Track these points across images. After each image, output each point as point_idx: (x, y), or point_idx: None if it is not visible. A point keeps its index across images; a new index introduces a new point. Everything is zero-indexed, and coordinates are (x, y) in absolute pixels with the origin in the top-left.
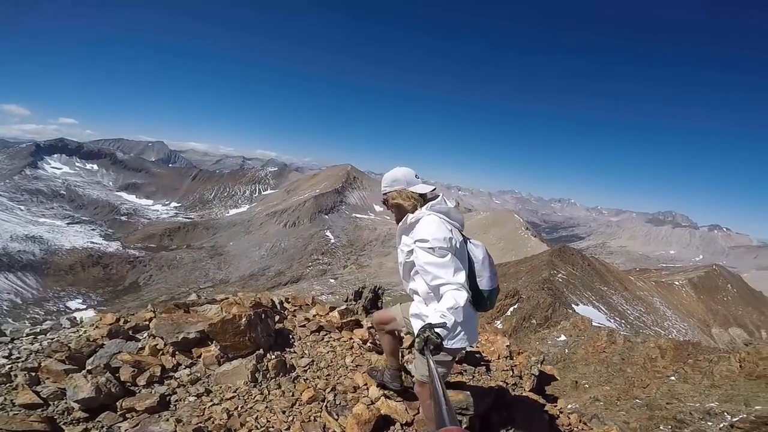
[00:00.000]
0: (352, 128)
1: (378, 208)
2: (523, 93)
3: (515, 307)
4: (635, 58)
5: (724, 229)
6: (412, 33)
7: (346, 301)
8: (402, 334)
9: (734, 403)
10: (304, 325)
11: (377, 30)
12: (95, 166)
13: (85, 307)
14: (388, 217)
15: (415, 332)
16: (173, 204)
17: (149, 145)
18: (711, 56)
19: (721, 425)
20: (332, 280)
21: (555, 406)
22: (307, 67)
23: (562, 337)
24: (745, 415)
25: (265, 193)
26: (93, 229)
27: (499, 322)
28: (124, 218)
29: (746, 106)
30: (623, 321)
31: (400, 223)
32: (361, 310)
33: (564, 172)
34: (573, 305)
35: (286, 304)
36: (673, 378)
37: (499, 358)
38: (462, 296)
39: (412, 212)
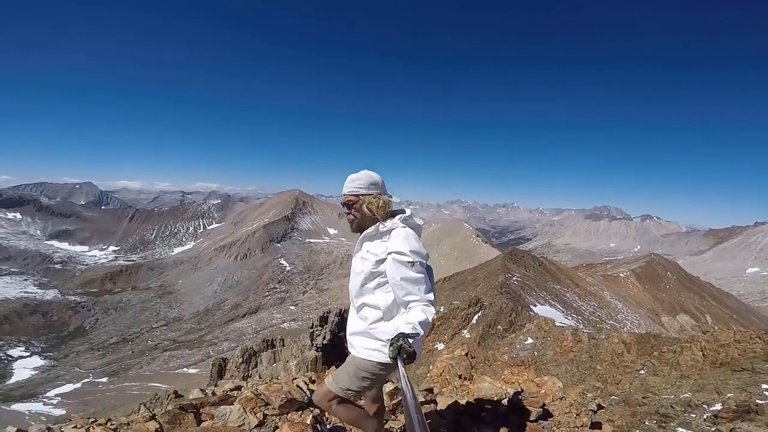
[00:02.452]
0: (294, 152)
1: (333, 230)
2: (456, 103)
3: (479, 315)
4: (553, 58)
5: (655, 218)
6: (346, 55)
7: (312, 327)
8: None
9: (707, 392)
10: None
11: (307, 56)
12: (18, 215)
13: (28, 354)
14: (344, 239)
15: (387, 341)
16: (111, 248)
17: (76, 187)
18: (624, 51)
19: (705, 416)
20: (292, 307)
21: None
22: (237, 96)
23: (530, 340)
24: (720, 405)
25: (210, 227)
26: (25, 279)
27: (465, 331)
28: (58, 266)
29: (660, 99)
30: (580, 317)
31: (368, 230)
32: (328, 335)
33: (505, 177)
34: (531, 306)
35: (311, 386)
36: (642, 372)
37: (553, 401)
38: (432, 312)
39: (383, 221)
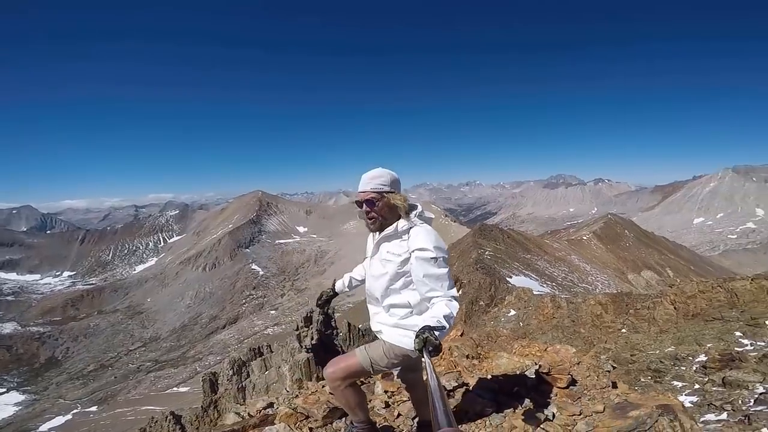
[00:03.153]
0: (251, 153)
1: (302, 228)
2: (410, 91)
3: (460, 293)
4: (496, 40)
5: (607, 181)
6: (296, 50)
7: (297, 329)
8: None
9: (688, 345)
10: None
11: (252, 54)
12: None
13: (4, 390)
14: (315, 235)
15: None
16: (66, 273)
17: (14, 212)
18: (571, 30)
19: (694, 367)
20: (273, 312)
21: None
22: (183, 101)
23: (512, 312)
24: (705, 356)
25: (171, 240)
26: None
27: None
28: (10, 298)
29: (599, 72)
30: (554, 284)
31: (386, 231)
32: (315, 335)
33: (465, 155)
34: (507, 278)
35: None
36: (624, 330)
37: (571, 366)
38: (456, 307)
39: (405, 219)
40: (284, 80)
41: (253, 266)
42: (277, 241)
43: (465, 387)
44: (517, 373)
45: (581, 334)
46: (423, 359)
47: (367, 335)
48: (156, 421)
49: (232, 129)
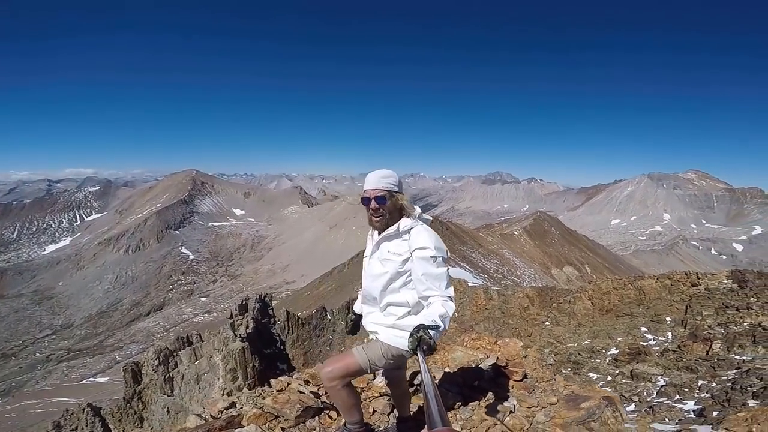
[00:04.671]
0: (186, 129)
1: (239, 211)
2: (358, 81)
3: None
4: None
5: (539, 180)
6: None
7: (231, 317)
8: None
9: (602, 338)
10: None
11: (187, 18)
12: None
13: None
14: (253, 219)
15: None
16: None
17: None
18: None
19: (607, 360)
20: (203, 299)
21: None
22: (104, 69)
23: None
24: (616, 350)
25: (89, 218)
26: None
27: None
28: None
29: (536, 76)
30: (486, 276)
31: (388, 229)
32: (251, 324)
33: (411, 147)
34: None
35: (309, 388)
36: (548, 323)
37: (519, 359)
38: (452, 308)
39: (405, 220)
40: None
41: (183, 249)
42: (210, 224)
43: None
44: (473, 366)
45: (510, 326)
46: (417, 358)
47: (308, 324)
48: (72, 414)
49: (165, 101)
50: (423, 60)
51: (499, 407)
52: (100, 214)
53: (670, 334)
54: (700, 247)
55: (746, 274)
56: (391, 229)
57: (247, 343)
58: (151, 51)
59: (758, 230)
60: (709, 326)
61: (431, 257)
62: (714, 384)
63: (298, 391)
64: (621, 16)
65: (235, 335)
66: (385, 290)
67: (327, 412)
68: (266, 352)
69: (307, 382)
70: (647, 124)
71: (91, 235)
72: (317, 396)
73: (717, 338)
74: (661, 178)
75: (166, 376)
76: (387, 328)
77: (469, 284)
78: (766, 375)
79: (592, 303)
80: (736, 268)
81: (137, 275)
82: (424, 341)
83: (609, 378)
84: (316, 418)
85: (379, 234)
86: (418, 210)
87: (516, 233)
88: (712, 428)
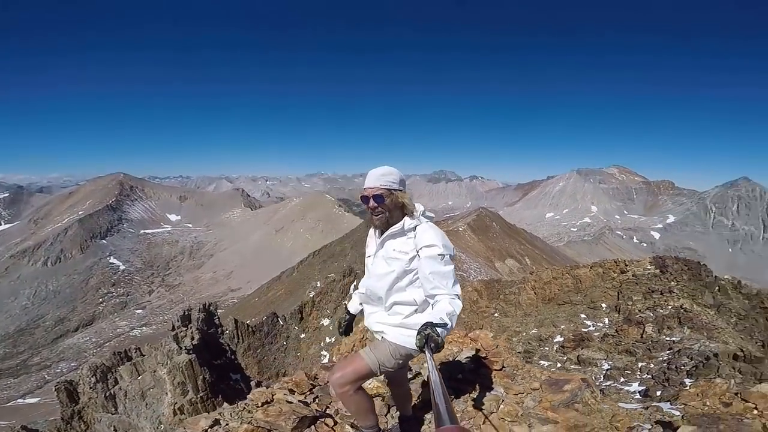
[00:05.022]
0: (111, 131)
1: (174, 217)
2: (301, 84)
3: (355, 283)
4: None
5: (480, 178)
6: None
7: (173, 329)
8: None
9: (547, 327)
10: None
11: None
12: None
13: None
14: (191, 225)
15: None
16: None
17: None
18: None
19: (555, 348)
20: (139, 311)
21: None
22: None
23: None
24: (561, 337)
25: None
26: None
27: (346, 302)
28: None
29: (472, 79)
30: None
31: (392, 228)
32: (196, 335)
33: (360, 147)
34: None
35: (293, 396)
36: (497, 315)
37: (490, 349)
38: (459, 306)
39: (409, 218)
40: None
41: (112, 260)
42: (142, 231)
43: (418, 375)
44: (451, 359)
45: (461, 319)
46: (425, 356)
47: (259, 332)
48: None
49: (85, 99)
50: (369, 61)
51: (490, 396)
52: (10, 224)
53: (606, 320)
54: (624, 236)
55: (666, 259)
56: (396, 227)
57: (194, 355)
58: (63, 47)
59: (671, 219)
60: (640, 310)
61: (439, 255)
62: (652, 365)
63: (287, 401)
64: (546, 19)
65: (180, 347)
66: (391, 289)
67: (323, 420)
68: (216, 363)
69: (291, 391)
70: (575, 122)
71: (1, 248)
72: (306, 404)
73: (648, 321)
74: (588, 174)
75: (107, 394)
76: (394, 327)
77: None
78: (695, 354)
79: (535, 293)
80: (657, 255)
81: (60, 289)
82: (431, 339)
83: (559, 365)
84: (312, 427)
85: (382, 232)
86: (420, 207)
87: (460, 229)
88: (671, 404)
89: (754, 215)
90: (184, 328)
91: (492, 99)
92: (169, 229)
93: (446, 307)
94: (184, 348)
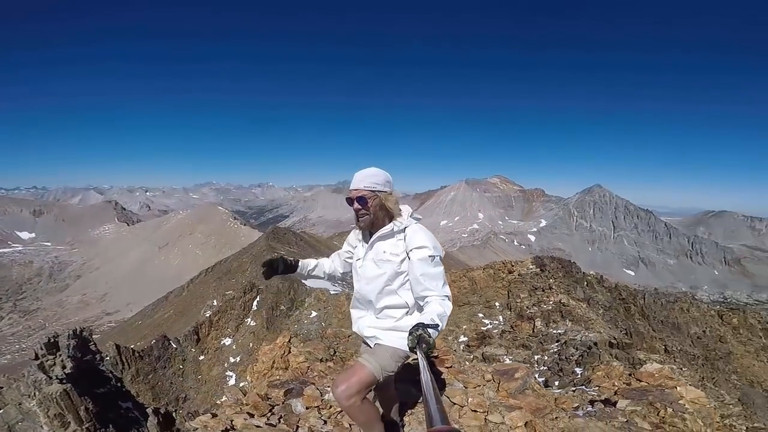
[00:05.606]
0: None
1: (27, 234)
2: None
3: (258, 300)
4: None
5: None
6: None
7: (37, 358)
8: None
9: (451, 326)
10: None
11: None
12: None
13: None
14: (49, 243)
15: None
16: None
17: None
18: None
19: (462, 346)
20: None
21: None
22: None
23: (314, 313)
24: (465, 336)
25: None
26: None
27: (249, 319)
28: None
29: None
30: (344, 282)
31: (382, 230)
32: (68, 363)
33: (259, 156)
34: (302, 281)
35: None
36: None
37: None
38: (449, 307)
39: (398, 219)
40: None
41: None
42: None
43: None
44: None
45: None
46: (417, 357)
47: (148, 356)
48: None
49: None
50: (258, 72)
51: (455, 391)
52: None
53: (501, 317)
54: (506, 240)
55: (544, 259)
56: (386, 229)
57: (69, 385)
58: None
59: (543, 223)
60: (528, 306)
61: (429, 257)
62: (546, 357)
63: (255, 426)
64: (441, 35)
65: (50, 377)
66: (382, 292)
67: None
68: (99, 391)
69: (251, 415)
70: (463, 134)
71: None
72: (273, 426)
73: (537, 316)
74: (475, 183)
75: None
76: (387, 331)
77: (331, 292)
78: (579, 344)
79: None
80: (536, 256)
81: None
82: (423, 340)
83: (467, 363)
84: None
85: (370, 234)
86: (407, 209)
87: None
88: (586, 387)
89: (606, 218)
90: (51, 356)
91: (389, 112)
92: (20, 248)
93: (437, 308)
94: (55, 377)
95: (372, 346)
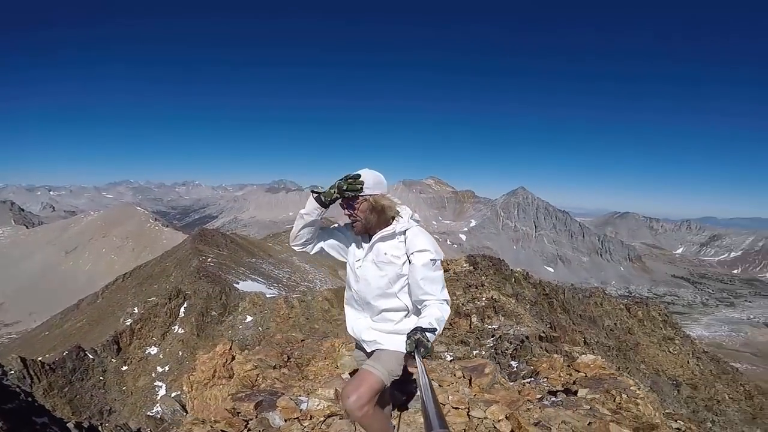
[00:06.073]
0: None
1: None
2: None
3: (185, 306)
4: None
5: (320, 187)
6: None
7: None
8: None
9: None
10: None
11: None
12: None
13: None
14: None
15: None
16: None
17: None
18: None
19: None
20: None
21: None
22: None
23: (249, 318)
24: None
25: None
26: None
27: (177, 326)
28: None
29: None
30: (281, 285)
31: (382, 232)
32: None
33: (185, 154)
34: (235, 285)
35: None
36: None
37: None
38: (448, 311)
39: (393, 220)
40: None
41: None
42: None
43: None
44: None
45: (317, 330)
46: (415, 360)
47: (61, 368)
48: None
49: None
50: (187, 65)
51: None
52: None
53: None
54: (440, 239)
55: (476, 257)
56: (387, 230)
57: (5, 426)
58: None
59: (473, 223)
60: (463, 303)
61: (431, 260)
62: (483, 352)
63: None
64: (379, 40)
65: None
66: (382, 295)
67: None
68: (8, 407)
69: None
70: (403, 135)
71: None
72: None
73: (473, 313)
74: (411, 185)
75: None
76: (388, 335)
77: (267, 296)
78: (512, 338)
79: None
80: (469, 254)
81: None
82: (421, 344)
83: (433, 362)
84: None
85: (369, 236)
86: (407, 210)
87: None
88: (534, 379)
89: (529, 218)
90: None
91: (327, 112)
92: None
93: (435, 312)
94: None
95: (369, 350)
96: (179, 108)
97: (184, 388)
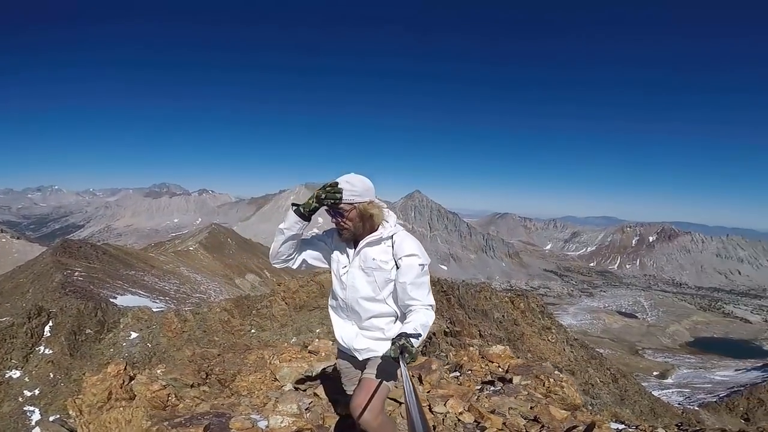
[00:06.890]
0: None
1: None
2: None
3: (51, 325)
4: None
5: (210, 191)
6: None
7: None
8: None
9: (304, 333)
10: None
11: None
12: None
13: None
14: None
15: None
16: None
17: None
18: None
19: (323, 353)
20: None
21: None
22: None
23: (134, 334)
24: (318, 340)
25: None
26: None
27: (42, 347)
28: None
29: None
30: (167, 298)
31: (369, 237)
32: None
33: (39, 155)
34: (112, 299)
35: None
36: (253, 330)
37: None
38: (432, 317)
39: (385, 226)
40: None
41: None
42: None
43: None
44: (312, 375)
45: (216, 342)
46: (399, 366)
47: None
48: None
49: None
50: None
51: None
52: None
53: None
54: None
55: None
56: (374, 236)
57: None
58: None
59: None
60: None
61: (419, 265)
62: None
63: None
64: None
65: None
66: (370, 301)
67: None
68: None
69: None
70: (302, 137)
71: None
72: None
73: None
74: (313, 188)
75: None
76: (380, 341)
77: (154, 310)
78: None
79: (286, 303)
80: None
81: None
82: (406, 349)
83: None
84: None
85: (356, 243)
86: (392, 215)
87: (192, 248)
88: (460, 372)
89: (424, 220)
90: None
91: (220, 112)
92: None
93: (420, 317)
94: None
95: (362, 358)
96: (26, 99)
97: (70, 412)
